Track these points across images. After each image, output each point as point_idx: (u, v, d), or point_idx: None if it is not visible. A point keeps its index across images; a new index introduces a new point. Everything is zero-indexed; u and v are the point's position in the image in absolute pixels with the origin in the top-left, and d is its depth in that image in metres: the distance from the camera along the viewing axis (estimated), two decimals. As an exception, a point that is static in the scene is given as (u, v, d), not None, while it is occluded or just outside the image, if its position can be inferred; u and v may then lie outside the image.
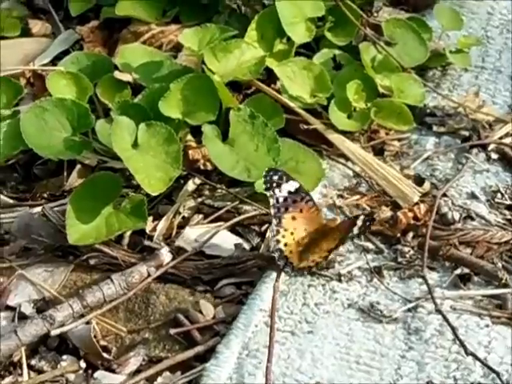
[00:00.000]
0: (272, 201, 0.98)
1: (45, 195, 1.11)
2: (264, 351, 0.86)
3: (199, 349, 0.89)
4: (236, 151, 1.06)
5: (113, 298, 0.94)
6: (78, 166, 1.12)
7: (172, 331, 0.91)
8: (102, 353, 0.90)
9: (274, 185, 0.98)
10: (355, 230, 0.94)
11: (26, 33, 1.36)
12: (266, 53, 1.17)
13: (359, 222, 0.94)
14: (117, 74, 1.14)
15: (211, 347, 0.89)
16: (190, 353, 0.89)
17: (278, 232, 0.97)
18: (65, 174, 1.12)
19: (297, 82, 1.15)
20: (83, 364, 0.90)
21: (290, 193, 0.98)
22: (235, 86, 1.22)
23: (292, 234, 0.97)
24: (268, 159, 1.05)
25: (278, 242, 0.96)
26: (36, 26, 1.38)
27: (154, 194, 0.99)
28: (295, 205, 0.99)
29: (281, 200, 0.98)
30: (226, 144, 1.06)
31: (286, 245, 0.97)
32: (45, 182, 1.13)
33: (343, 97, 1.15)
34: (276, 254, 0.95)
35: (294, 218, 0.98)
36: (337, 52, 1.22)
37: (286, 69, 1.15)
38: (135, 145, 1.03)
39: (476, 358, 0.85)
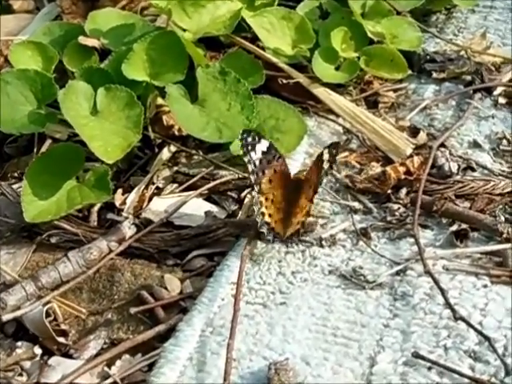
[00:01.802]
0: (251, 167, 0.88)
1: (15, 174, 1.04)
2: (230, 327, 0.77)
3: (160, 328, 0.81)
4: (207, 112, 0.97)
5: (70, 277, 0.86)
6: (48, 141, 1.05)
7: (133, 310, 0.83)
8: (57, 337, 0.82)
9: (250, 148, 0.88)
10: (325, 165, 0.85)
11: (6, 10, 1.30)
12: (244, 5, 1.08)
13: (325, 156, 0.85)
14: (81, 40, 1.06)
15: (173, 325, 0.80)
16: (150, 333, 0.80)
17: (261, 204, 0.86)
18: (35, 150, 1.05)
19: (275, 34, 1.06)
20: (39, 350, 0.82)
21: (263, 153, 0.89)
22: (215, 44, 1.13)
23: (272, 201, 0.88)
24: (241, 118, 0.96)
25: (263, 214, 0.86)
26: (17, 2, 1.33)
27: (109, 162, 0.90)
28: (269, 166, 0.89)
29: (257, 163, 0.88)
30: (195, 105, 0.97)
31: (270, 215, 0.87)
32: (16, 161, 1.06)
33: (329, 46, 1.05)
34: (264, 230, 0.86)
35: (270, 181, 0.88)
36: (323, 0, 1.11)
37: (262, 19, 1.05)
38: (95, 111, 0.95)
39: (465, 322, 0.74)
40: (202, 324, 0.79)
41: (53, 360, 0.81)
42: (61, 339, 0.82)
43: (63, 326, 0.84)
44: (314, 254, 0.86)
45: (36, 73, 1.01)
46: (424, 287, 0.80)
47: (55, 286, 0.86)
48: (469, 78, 1.07)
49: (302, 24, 1.05)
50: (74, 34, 1.11)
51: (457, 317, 0.75)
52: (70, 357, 0.81)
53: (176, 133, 1.02)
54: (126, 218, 0.92)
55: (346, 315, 0.79)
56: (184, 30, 1.05)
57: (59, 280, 0.86)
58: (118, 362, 0.79)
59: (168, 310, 0.83)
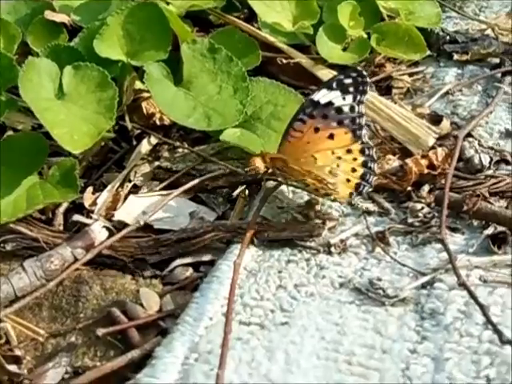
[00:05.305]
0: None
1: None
2: (220, 353, 0.62)
3: (134, 354, 0.66)
4: (193, 95, 0.83)
5: (27, 291, 0.71)
6: (9, 133, 0.90)
7: (101, 332, 0.68)
8: (8, 365, 0.67)
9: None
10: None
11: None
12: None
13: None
14: (48, 15, 0.92)
15: (150, 351, 0.65)
16: (122, 360, 0.66)
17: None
18: (-7, 143, 0.90)
19: (274, 8, 0.92)
20: (-15, 382, 0.67)
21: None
22: (204, 23, 0.99)
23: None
24: (234, 102, 0.82)
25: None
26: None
27: (75, 152, 0.76)
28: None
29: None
30: (179, 87, 0.83)
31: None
32: (-28, 157, 0.91)
33: (335, 23, 0.91)
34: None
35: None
36: (330, -28, 0.97)
37: (259, -9, 0.91)
38: (61, 94, 0.80)
39: (515, 347, 0.60)
40: (185, 349, 0.64)
41: (2, 393, 0.66)
42: (12, 367, 0.68)
43: (17, 352, 0.70)
44: (320, 263, 0.71)
45: (-7, 53, 0.87)
46: (457, 303, 0.66)
47: (8, 302, 0.71)
48: (496, 60, 0.93)
49: (305, -4, 0.92)
50: (42, 13, 0.97)
51: (504, 340, 0.60)
52: (23, 389, 0.67)
53: (157, 122, 0.88)
54: (96, 220, 0.77)
55: (363, 338, 0.64)
56: (167, 4, 0.90)
57: (13, 295, 0.71)
58: (81, 396, 0.65)
59: (144, 332, 0.69)
